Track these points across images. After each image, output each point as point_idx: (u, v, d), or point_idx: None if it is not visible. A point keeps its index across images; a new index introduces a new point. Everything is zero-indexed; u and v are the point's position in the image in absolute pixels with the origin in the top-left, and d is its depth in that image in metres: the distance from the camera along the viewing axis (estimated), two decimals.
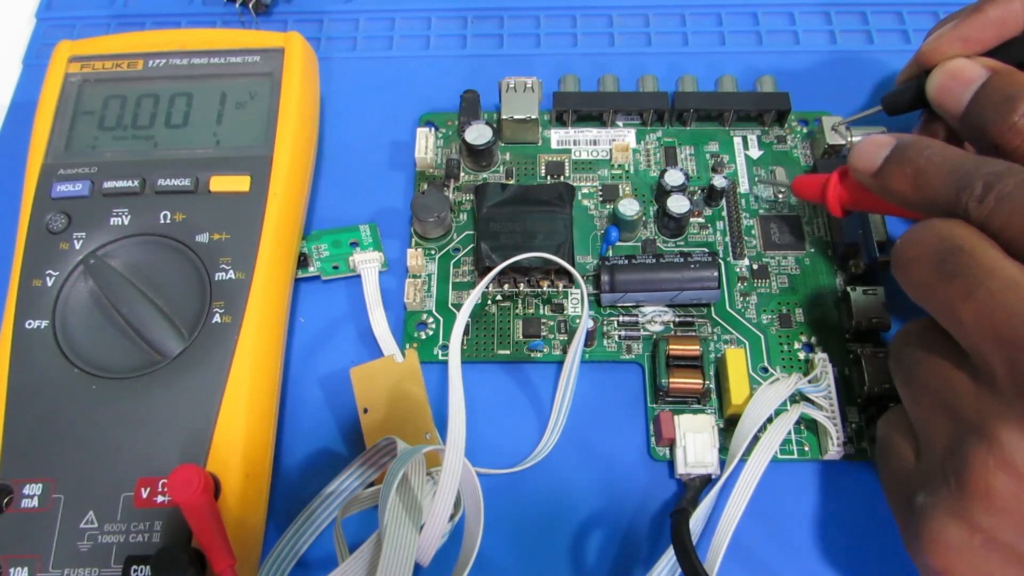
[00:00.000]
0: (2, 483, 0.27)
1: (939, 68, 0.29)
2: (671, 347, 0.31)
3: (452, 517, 0.27)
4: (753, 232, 0.35)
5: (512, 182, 0.36)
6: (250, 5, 0.41)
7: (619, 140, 0.37)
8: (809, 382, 0.30)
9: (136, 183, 0.31)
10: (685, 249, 0.34)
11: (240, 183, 0.31)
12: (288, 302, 0.32)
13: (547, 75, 0.38)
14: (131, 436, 0.28)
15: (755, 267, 0.34)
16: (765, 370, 0.32)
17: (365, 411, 0.30)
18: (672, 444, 0.30)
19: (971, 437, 0.21)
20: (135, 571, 0.26)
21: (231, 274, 0.30)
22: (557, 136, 0.37)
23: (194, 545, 0.26)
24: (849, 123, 0.35)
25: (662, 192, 0.34)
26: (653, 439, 0.31)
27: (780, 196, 0.35)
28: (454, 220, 0.35)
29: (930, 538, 0.22)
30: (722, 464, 0.29)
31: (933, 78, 0.29)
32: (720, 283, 0.32)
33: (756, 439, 0.29)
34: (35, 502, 0.27)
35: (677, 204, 0.33)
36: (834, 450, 0.29)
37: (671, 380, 0.30)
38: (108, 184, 0.31)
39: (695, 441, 0.29)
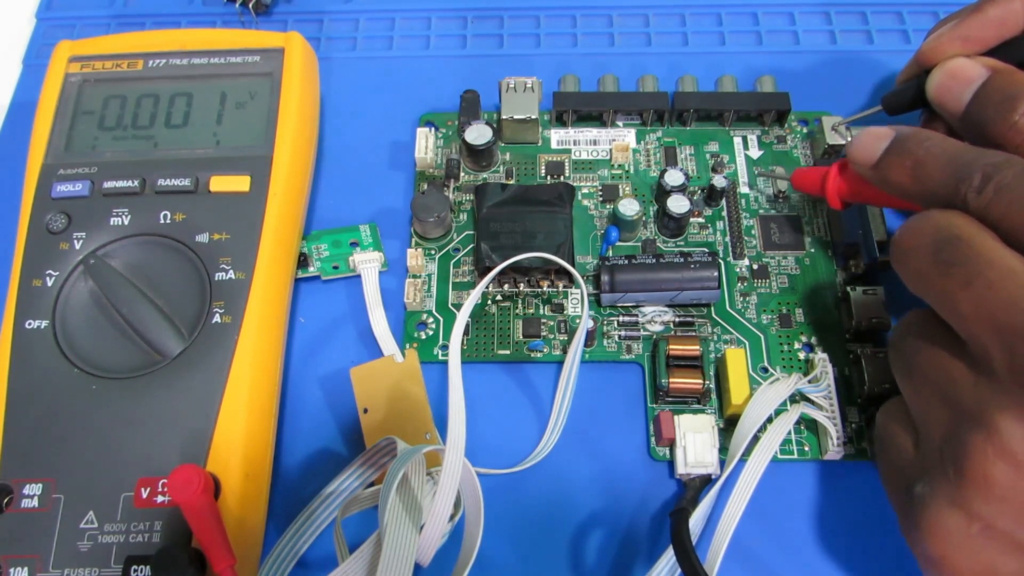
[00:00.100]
0: (2, 483, 0.27)
1: (939, 68, 0.29)
2: (671, 347, 0.31)
3: (452, 517, 0.27)
4: (753, 232, 0.35)
5: (512, 182, 0.36)
6: (250, 5, 0.41)
7: (619, 140, 0.37)
8: (809, 382, 0.30)
9: (136, 183, 0.31)
10: (685, 249, 0.34)
11: (240, 183, 0.31)
12: (288, 302, 0.32)
13: (547, 75, 0.38)
14: (131, 436, 0.28)
15: (755, 267, 0.34)
16: (765, 370, 0.32)
17: (365, 411, 0.30)
18: (672, 444, 0.30)
19: (969, 426, 0.21)
20: (135, 571, 0.26)
21: (231, 274, 0.30)
22: (557, 136, 0.37)
23: (194, 545, 0.26)
24: (849, 123, 0.35)
25: (662, 192, 0.34)
26: (653, 439, 0.31)
27: (781, 194, 0.35)
28: (454, 220, 0.35)
29: (928, 527, 0.22)
30: (722, 464, 0.29)
31: (933, 78, 0.30)
32: (720, 283, 0.32)
33: (756, 439, 0.29)
34: (35, 502, 0.27)
35: (677, 204, 0.33)
36: (834, 450, 0.29)
37: (671, 380, 0.30)
38: (108, 184, 0.31)
39: (695, 441, 0.29)
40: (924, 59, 0.31)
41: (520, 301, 0.33)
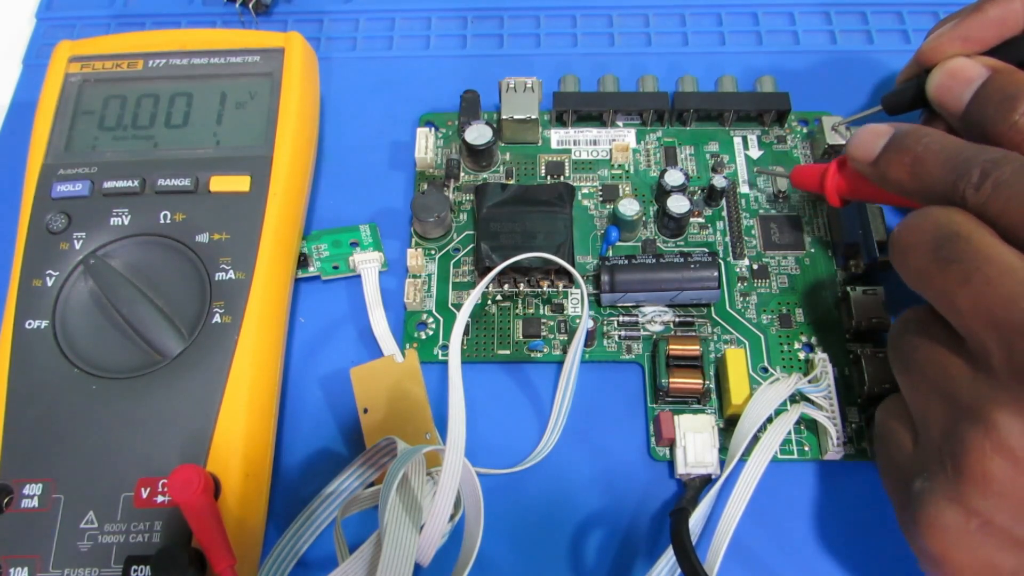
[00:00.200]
0: (2, 483, 0.27)
1: (939, 67, 0.29)
2: (671, 347, 0.31)
3: (452, 517, 0.27)
4: (753, 232, 0.35)
5: (512, 182, 0.36)
6: (250, 5, 0.41)
7: (619, 140, 0.37)
8: (809, 382, 0.30)
9: (136, 183, 0.31)
10: (685, 249, 0.34)
11: (240, 183, 0.31)
12: (288, 302, 0.32)
13: (547, 75, 0.38)
14: (131, 436, 0.28)
15: (755, 267, 0.34)
16: (765, 370, 0.32)
17: (365, 411, 0.30)
18: (672, 444, 0.30)
19: (968, 422, 0.22)
20: (135, 571, 0.26)
21: (231, 274, 0.30)
22: (557, 136, 0.37)
23: (194, 545, 0.26)
24: (849, 123, 0.35)
25: (662, 192, 0.34)
26: (653, 439, 0.31)
27: (781, 194, 0.35)
28: (454, 220, 0.35)
29: (927, 523, 0.22)
30: (722, 464, 0.29)
31: (933, 77, 0.30)
32: (720, 283, 0.32)
33: (756, 439, 0.29)
34: (35, 502, 0.27)
35: (677, 204, 0.33)
36: (834, 450, 0.29)
37: (671, 380, 0.30)
38: (108, 184, 0.31)
39: (695, 441, 0.29)
40: (924, 59, 0.31)
41: (520, 301, 0.33)
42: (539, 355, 0.32)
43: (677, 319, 0.33)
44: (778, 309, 0.33)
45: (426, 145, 0.36)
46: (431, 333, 0.33)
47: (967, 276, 0.22)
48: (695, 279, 0.32)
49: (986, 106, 0.27)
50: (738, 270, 0.34)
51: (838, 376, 0.31)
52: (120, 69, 0.34)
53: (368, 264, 0.33)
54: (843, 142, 0.35)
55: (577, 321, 0.33)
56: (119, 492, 0.27)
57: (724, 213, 0.35)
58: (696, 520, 0.28)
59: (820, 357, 0.31)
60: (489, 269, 0.32)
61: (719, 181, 0.34)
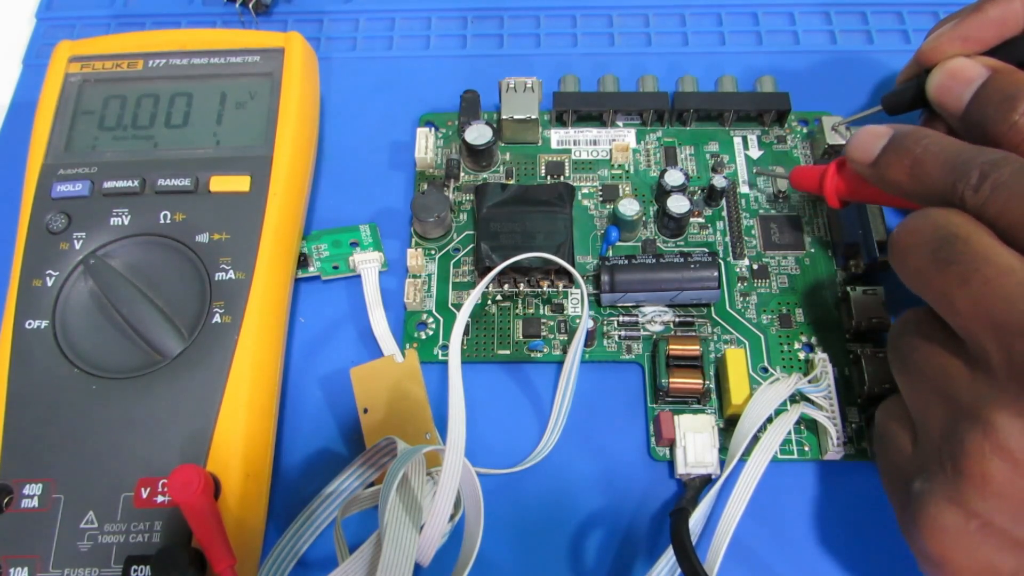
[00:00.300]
0: (2, 483, 0.27)
1: (939, 67, 0.29)
2: (671, 347, 0.31)
3: (452, 517, 0.27)
4: (753, 232, 0.35)
5: (512, 182, 0.36)
6: (250, 5, 0.41)
7: (619, 140, 0.37)
8: (809, 382, 0.30)
9: (136, 183, 0.31)
10: (685, 249, 0.34)
11: (240, 183, 0.31)
12: (288, 302, 0.32)
13: (547, 75, 0.38)
14: (131, 436, 0.28)
15: (755, 267, 0.34)
16: (765, 370, 0.32)
17: (365, 411, 0.30)
18: (672, 444, 0.30)
19: (967, 423, 0.22)
20: (135, 571, 0.26)
21: (231, 274, 0.30)
22: (557, 136, 0.37)
23: (194, 545, 0.26)
24: (849, 123, 0.35)
25: (662, 192, 0.34)
26: (653, 439, 0.31)
27: (781, 194, 0.35)
28: (454, 220, 0.35)
29: (927, 524, 0.22)
30: (722, 464, 0.29)
31: (933, 77, 0.30)
32: (720, 283, 0.32)
33: (756, 439, 0.29)
34: (35, 502, 0.27)
35: (677, 204, 0.33)
36: (834, 450, 0.29)
37: (671, 380, 0.30)
38: (108, 184, 0.31)
39: (695, 441, 0.29)
40: (924, 59, 0.31)
41: (520, 301, 0.33)
42: (539, 355, 0.32)
43: (677, 319, 0.33)
44: (778, 309, 0.33)
45: (426, 145, 0.36)
46: (431, 333, 0.33)
47: (966, 277, 0.22)
48: (695, 279, 0.32)
49: (986, 106, 0.27)
50: (738, 270, 0.34)
51: (838, 376, 0.31)
52: (120, 69, 0.34)
53: (368, 264, 0.33)
54: (843, 142, 0.35)
55: (577, 321, 0.33)
56: (119, 492, 0.27)
57: (724, 213, 0.35)
58: (696, 520, 0.28)
59: (820, 357, 0.31)
60: (489, 269, 0.32)
61: (719, 181, 0.34)
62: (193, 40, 0.35)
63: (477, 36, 0.41)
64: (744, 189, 0.36)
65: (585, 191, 0.36)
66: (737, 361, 0.30)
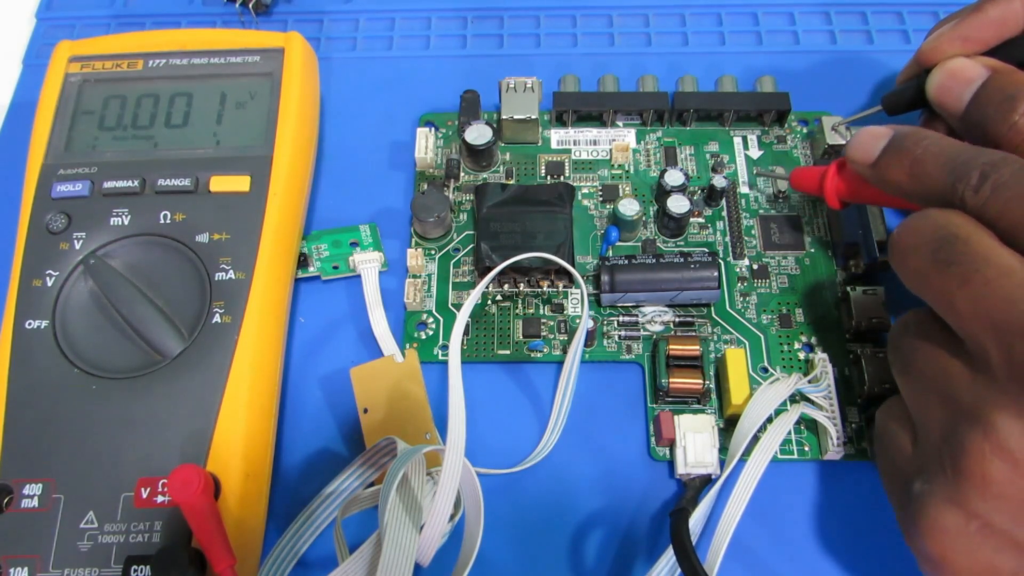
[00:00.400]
0: (2, 483, 0.27)
1: (939, 67, 0.29)
2: (671, 347, 0.31)
3: (452, 517, 0.27)
4: (753, 232, 0.35)
5: (512, 182, 0.36)
6: (250, 5, 0.41)
7: (619, 140, 0.37)
8: (809, 382, 0.30)
9: (136, 183, 0.31)
10: (685, 249, 0.34)
11: (240, 183, 0.31)
12: (288, 302, 0.32)
13: (547, 75, 0.38)
14: (131, 436, 0.28)
15: (755, 267, 0.34)
16: (765, 370, 0.32)
17: (365, 411, 0.30)
18: (672, 444, 0.30)
19: (967, 424, 0.22)
20: (135, 571, 0.26)
21: (231, 274, 0.30)
22: (557, 136, 0.37)
23: (194, 545, 0.26)
24: (849, 123, 0.35)
25: (662, 192, 0.34)
26: (653, 439, 0.31)
27: (781, 194, 0.35)
28: (454, 220, 0.35)
29: (927, 524, 0.22)
30: (722, 464, 0.29)
31: (933, 77, 0.30)
32: (720, 283, 0.32)
33: (756, 439, 0.29)
34: (35, 502, 0.27)
35: (677, 204, 0.33)
36: (834, 450, 0.29)
37: (671, 380, 0.30)
38: (108, 184, 0.31)
39: (695, 441, 0.29)
40: (924, 59, 0.31)
41: (520, 301, 0.33)
42: (539, 355, 0.32)
43: (677, 319, 0.33)
44: (778, 309, 0.33)
45: (426, 145, 0.36)
46: (431, 333, 0.33)
47: (966, 278, 0.22)
48: (695, 279, 0.32)
49: (986, 106, 0.27)
50: (738, 270, 0.34)
51: (838, 376, 0.31)
52: (120, 69, 0.34)
53: (368, 264, 0.33)
54: (843, 142, 0.35)
55: (577, 321, 0.33)
56: (119, 492, 0.27)
57: (724, 213, 0.35)
58: (696, 520, 0.28)
59: (820, 357, 0.31)
60: (489, 269, 0.32)
61: (719, 181, 0.34)
62: (193, 40, 0.35)
63: (477, 36, 0.41)
64: (744, 189, 0.36)
65: (585, 191, 0.36)
66: (737, 361, 0.30)
